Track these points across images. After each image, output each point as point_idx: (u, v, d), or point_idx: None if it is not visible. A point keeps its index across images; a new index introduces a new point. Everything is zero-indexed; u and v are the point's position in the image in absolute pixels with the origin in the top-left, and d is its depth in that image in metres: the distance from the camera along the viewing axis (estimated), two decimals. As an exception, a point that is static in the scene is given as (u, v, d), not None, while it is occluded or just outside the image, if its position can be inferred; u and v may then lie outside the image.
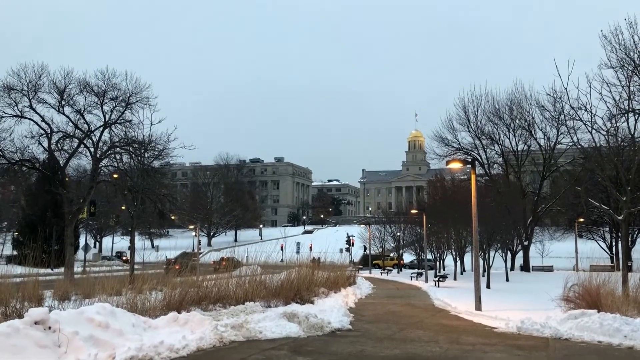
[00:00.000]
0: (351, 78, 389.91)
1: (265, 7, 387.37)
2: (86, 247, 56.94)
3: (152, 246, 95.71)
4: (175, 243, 75.16)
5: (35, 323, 9.45)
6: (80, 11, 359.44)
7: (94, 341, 9.77)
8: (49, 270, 35.39)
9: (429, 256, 75.60)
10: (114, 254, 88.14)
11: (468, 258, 54.18)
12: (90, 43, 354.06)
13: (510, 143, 66.73)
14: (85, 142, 35.83)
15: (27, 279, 14.91)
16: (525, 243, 61.10)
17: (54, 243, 50.24)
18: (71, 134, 35.65)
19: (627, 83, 24.52)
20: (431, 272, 47.17)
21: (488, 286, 33.08)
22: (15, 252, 58.12)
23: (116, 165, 36.56)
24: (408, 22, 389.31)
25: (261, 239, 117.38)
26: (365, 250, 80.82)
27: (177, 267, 27.41)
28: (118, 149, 35.71)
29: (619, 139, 26.85)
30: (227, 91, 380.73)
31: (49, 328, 9.50)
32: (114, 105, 35.15)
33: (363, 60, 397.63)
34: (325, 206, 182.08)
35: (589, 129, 25.11)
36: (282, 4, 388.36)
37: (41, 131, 34.68)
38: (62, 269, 34.54)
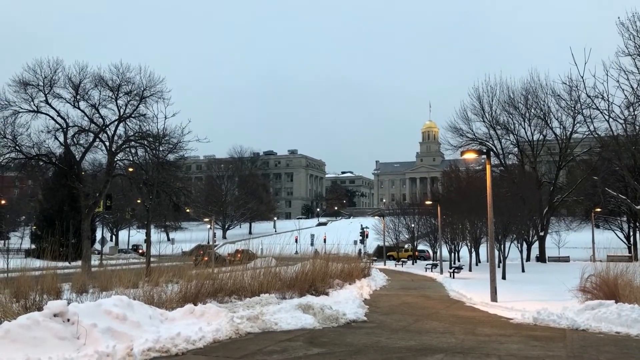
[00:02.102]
0: (364, 71, 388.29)
1: (279, 3, 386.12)
2: (103, 241, 57.55)
3: (168, 239, 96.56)
4: (191, 236, 75.67)
5: (55, 315, 9.59)
6: (93, 6, 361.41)
7: (111, 333, 9.89)
8: (66, 264, 35.80)
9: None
10: (130, 247, 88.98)
11: (483, 249, 53.98)
12: (104, 38, 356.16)
13: (526, 133, 66.25)
14: (100, 136, 36.12)
15: (45, 272, 15.13)
16: (541, 233, 60.65)
17: (71, 236, 50.85)
18: (86, 128, 35.96)
19: (645, 70, 24.16)
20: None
21: (504, 277, 32.89)
22: (33, 246, 58.94)
23: (131, 159, 36.82)
24: (420, 13, 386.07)
25: (275, 231, 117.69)
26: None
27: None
28: (133, 142, 35.95)
29: (637, 127, 26.51)
30: (241, 85, 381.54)
31: (68, 320, 9.63)
32: (129, 99, 35.36)
33: (376, 53, 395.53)
34: (339, 198, 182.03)
35: (606, 117, 24.90)
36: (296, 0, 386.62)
37: (57, 126, 35.03)
38: (79, 262, 34.94)
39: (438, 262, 46.08)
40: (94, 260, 38.03)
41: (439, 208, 44.87)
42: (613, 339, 11.95)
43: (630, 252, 59.73)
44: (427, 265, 48.93)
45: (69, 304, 10.33)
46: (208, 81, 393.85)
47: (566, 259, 64.39)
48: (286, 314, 13.90)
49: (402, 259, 67.23)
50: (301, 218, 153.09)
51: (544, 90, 62.58)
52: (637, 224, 60.34)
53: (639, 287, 15.96)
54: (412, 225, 71.01)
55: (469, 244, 51.43)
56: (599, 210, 60.14)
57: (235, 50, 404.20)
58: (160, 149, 35.07)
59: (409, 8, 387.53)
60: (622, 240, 64.24)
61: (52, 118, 34.77)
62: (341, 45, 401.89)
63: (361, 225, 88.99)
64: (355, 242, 70.65)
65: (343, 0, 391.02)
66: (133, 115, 35.60)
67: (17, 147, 33.67)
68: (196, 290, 15.47)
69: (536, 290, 24.17)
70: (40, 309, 10.72)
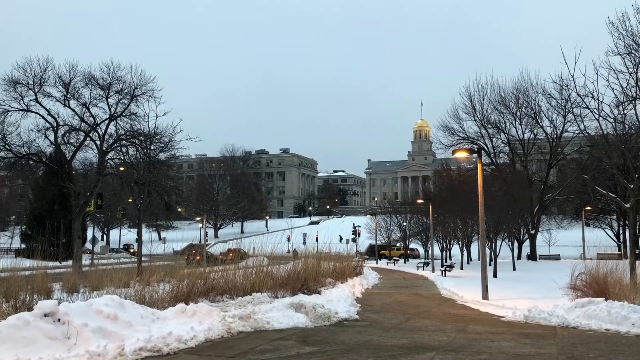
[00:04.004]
0: (356, 70, 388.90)
1: (272, 5, 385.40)
2: (94, 240, 57.27)
3: (159, 238, 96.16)
4: (182, 235, 75.55)
5: (45, 315, 9.53)
6: (86, 5, 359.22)
7: (103, 333, 9.84)
8: (57, 263, 35.57)
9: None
10: (121, 247, 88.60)
11: (474, 247, 54.19)
12: (95, 38, 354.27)
13: (517, 132, 66.59)
14: (91, 135, 35.89)
15: (35, 272, 15.03)
16: (532, 232, 60.98)
17: (61, 236, 50.53)
18: (77, 127, 35.71)
19: (635, 70, 24.30)
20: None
21: (495, 275, 33.05)
22: (23, 246, 58.52)
23: (122, 158, 36.61)
24: (412, 13, 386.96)
25: (267, 230, 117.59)
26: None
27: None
28: (124, 141, 35.75)
29: (627, 126, 26.67)
30: (233, 85, 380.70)
31: (59, 320, 9.58)
32: (120, 98, 35.14)
33: (368, 52, 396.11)
34: (331, 197, 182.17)
35: (596, 116, 24.92)
36: (287, 3, 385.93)
37: (47, 125, 34.75)
38: (70, 262, 34.74)
39: (430, 260, 46.25)
40: (85, 260, 37.82)
41: (430, 207, 45.02)
42: (603, 336, 12.04)
43: (619, 250, 60.10)
44: (418, 263, 49.09)
45: (59, 303, 10.27)
46: (200, 81, 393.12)
47: (557, 257, 64.78)
48: (278, 312, 13.89)
49: (394, 258, 67.40)
50: (293, 217, 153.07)
51: (534, 89, 63.02)
52: (627, 222, 60.76)
53: (628, 285, 16.11)
54: (404, 223, 71.19)
55: (460, 243, 51.63)
56: (589, 208, 60.54)
57: (229, 50, 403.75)
58: (152, 147, 34.90)
59: (401, 8, 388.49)
60: (611, 238, 64.71)
61: (42, 117, 34.51)
62: (333, 45, 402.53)
63: (353, 224, 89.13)
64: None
65: (335, 1, 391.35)
66: (124, 114, 35.39)
67: (6, 146, 33.40)
68: (188, 290, 15.44)
69: (527, 288, 24.32)
70: (30, 309, 10.65)
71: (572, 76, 24.13)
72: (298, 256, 27.23)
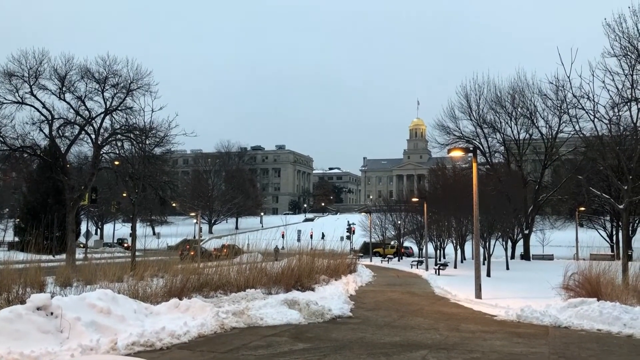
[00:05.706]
0: (354, 69, 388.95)
1: (268, 1, 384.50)
2: (87, 234, 57.07)
3: (154, 233, 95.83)
4: (177, 230, 75.24)
5: (38, 309, 9.50)
6: (81, 3, 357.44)
7: (96, 327, 9.83)
8: (50, 257, 35.35)
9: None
10: (115, 241, 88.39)
11: (468, 246, 54.38)
12: (90, 32, 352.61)
13: (512, 131, 66.80)
14: (86, 128, 35.72)
15: (29, 265, 14.99)
16: (526, 232, 61.22)
17: (55, 230, 50.31)
18: (72, 120, 35.53)
19: (630, 71, 24.40)
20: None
21: (488, 274, 33.17)
22: (17, 239, 58.30)
23: (117, 152, 36.47)
24: (410, 12, 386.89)
25: (262, 226, 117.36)
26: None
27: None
28: (119, 135, 35.61)
29: (621, 127, 26.80)
30: (229, 81, 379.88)
31: (51, 314, 9.55)
32: (115, 92, 34.97)
33: (365, 51, 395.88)
34: (326, 194, 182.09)
35: (591, 117, 25.03)
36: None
37: (42, 118, 34.57)
38: (63, 256, 34.59)
39: (424, 258, 46.38)
40: (79, 254, 37.66)
41: (425, 205, 45.08)
42: (595, 336, 12.11)
43: (612, 250, 60.47)
44: (412, 262, 49.19)
45: (52, 297, 10.25)
46: (196, 76, 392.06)
47: (550, 257, 65.06)
48: (272, 309, 13.90)
49: (388, 256, 67.48)
50: (288, 214, 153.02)
51: (530, 89, 63.29)
52: (620, 223, 61.13)
53: (620, 286, 16.20)
54: (399, 222, 71.30)
55: (454, 241, 51.81)
56: (583, 209, 60.85)
57: (225, 46, 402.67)
58: (147, 142, 34.77)
59: (400, 7, 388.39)
60: (605, 239, 65.05)
61: (37, 110, 34.31)
62: (330, 43, 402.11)
63: (348, 222, 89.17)
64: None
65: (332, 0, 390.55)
66: (119, 108, 35.23)
67: (1, 139, 33.23)
68: (181, 285, 15.42)
69: (520, 288, 24.42)
70: (23, 302, 10.61)
71: (568, 77, 24.21)
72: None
